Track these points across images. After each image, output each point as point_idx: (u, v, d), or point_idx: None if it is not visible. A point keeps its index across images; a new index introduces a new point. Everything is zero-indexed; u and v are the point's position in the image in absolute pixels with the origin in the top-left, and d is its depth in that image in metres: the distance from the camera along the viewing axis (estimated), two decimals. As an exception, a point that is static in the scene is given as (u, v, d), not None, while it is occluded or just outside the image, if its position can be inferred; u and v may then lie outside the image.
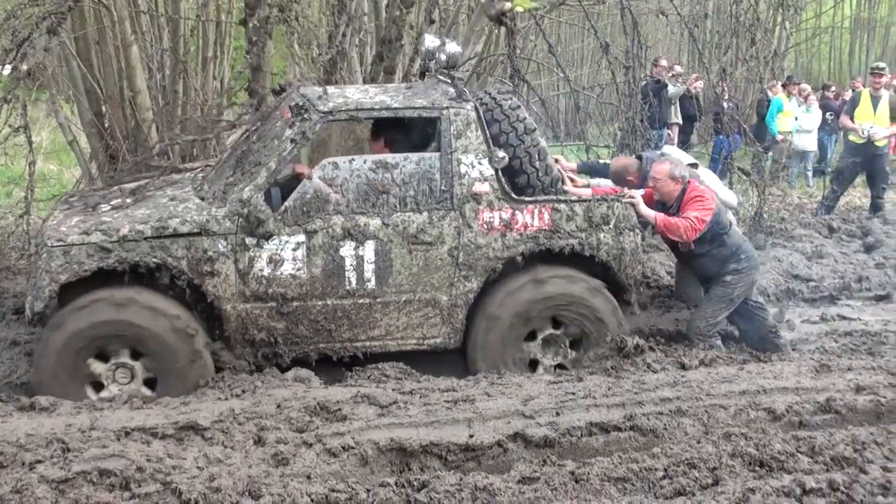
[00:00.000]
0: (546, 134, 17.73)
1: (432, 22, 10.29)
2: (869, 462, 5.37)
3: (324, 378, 7.19)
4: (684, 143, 16.32)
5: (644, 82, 13.64)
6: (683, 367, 7.32)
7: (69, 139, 11.34)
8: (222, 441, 5.64)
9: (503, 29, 10.38)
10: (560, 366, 7.67)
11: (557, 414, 6.01)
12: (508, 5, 9.43)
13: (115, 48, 10.46)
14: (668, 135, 16.15)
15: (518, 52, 11.14)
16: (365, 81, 11.18)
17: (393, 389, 6.59)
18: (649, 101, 12.57)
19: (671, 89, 15.86)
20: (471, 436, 5.69)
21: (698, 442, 5.70)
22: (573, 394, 6.40)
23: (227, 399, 6.52)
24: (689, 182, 7.98)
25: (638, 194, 7.81)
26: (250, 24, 9.03)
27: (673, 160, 8.34)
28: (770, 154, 16.65)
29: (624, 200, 7.69)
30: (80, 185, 11.25)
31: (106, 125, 10.74)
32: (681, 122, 16.85)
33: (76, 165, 13.23)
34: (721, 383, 6.73)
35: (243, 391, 6.71)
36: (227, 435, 5.72)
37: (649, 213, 7.72)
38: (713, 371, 7.15)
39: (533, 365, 7.63)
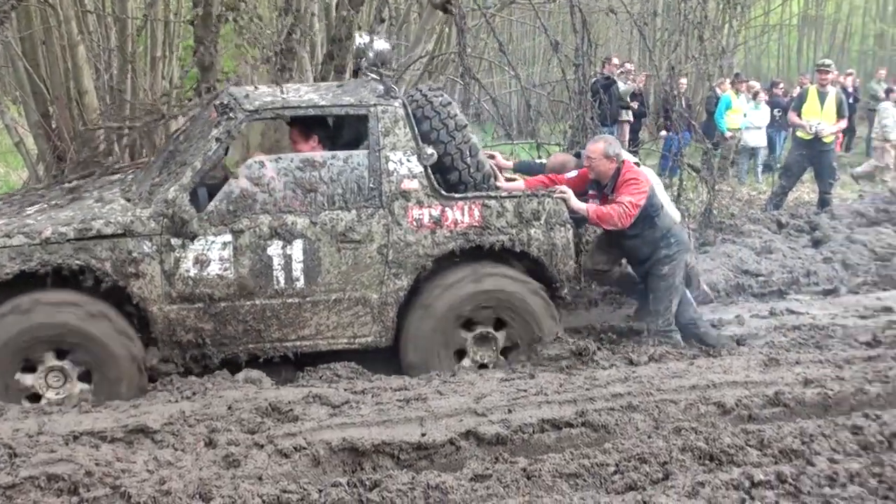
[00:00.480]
0: (497, 132, 17.85)
1: (382, 21, 10.28)
2: (816, 454, 5.41)
3: (275, 379, 7.13)
4: (634, 141, 16.42)
5: (594, 80, 13.73)
6: (633, 363, 7.31)
7: (16, 141, 11.14)
8: (172, 444, 5.58)
9: (454, 27, 10.37)
10: (484, 365, 7.58)
11: (510, 411, 6.00)
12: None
13: (61, 48, 10.31)
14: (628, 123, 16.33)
15: (469, 50, 11.12)
16: (316, 80, 11.15)
17: (345, 389, 6.55)
18: (599, 99, 12.63)
19: (621, 86, 15.96)
20: (423, 434, 5.68)
21: (649, 437, 5.72)
22: (525, 391, 6.39)
23: (177, 401, 6.43)
24: (623, 162, 7.98)
25: (569, 189, 7.76)
26: (198, 23, 8.98)
27: (608, 138, 8.37)
28: (719, 151, 16.77)
29: (555, 195, 7.67)
30: (27, 186, 11.12)
31: (53, 126, 10.60)
32: (632, 119, 16.98)
33: (23, 167, 13.09)
34: (671, 378, 6.76)
35: (194, 393, 6.61)
36: (177, 437, 5.65)
37: (581, 207, 7.69)
38: (663, 366, 7.16)
39: (460, 355, 7.56)
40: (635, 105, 16.47)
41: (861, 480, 5.01)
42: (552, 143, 12.38)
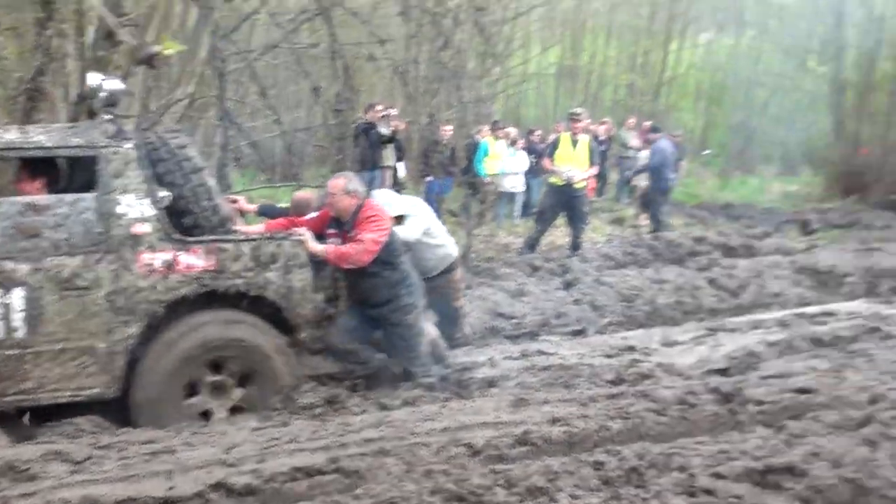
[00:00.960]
0: (259, 176, 17.69)
1: (140, 63, 10.08)
2: (559, 490, 5.55)
3: (14, 436, 6.76)
4: (397, 185, 16.55)
5: (356, 125, 13.81)
6: (386, 407, 7.36)
7: None
8: None
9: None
10: (237, 408, 7.48)
11: (261, 461, 5.91)
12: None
13: None
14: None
15: (231, 94, 11.03)
16: (69, 121, 10.83)
17: (88, 444, 6.30)
18: (360, 144, 12.71)
19: (382, 131, 16.07)
20: (170, 488, 5.51)
21: (400, 481, 5.72)
22: (277, 439, 6.33)
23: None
24: (365, 199, 8.01)
25: (307, 231, 7.73)
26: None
27: (348, 175, 8.37)
28: (478, 196, 17.09)
29: (292, 238, 7.62)
30: None
31: None
32: (394, 164, 17.10)
33: None
34: (424, 421, 6.81)
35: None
36: None
37: (319, 249, 7.65)
38: (416, 410, 7.23)
39: (206, 414, 7.41)
40: (391, 158, 16.48)
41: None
42: (313, 185, 12.38)
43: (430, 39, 11.54)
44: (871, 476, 5.68)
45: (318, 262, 7.83)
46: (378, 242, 7.73)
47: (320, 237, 7.87)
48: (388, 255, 7.93)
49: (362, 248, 7.64)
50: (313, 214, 8.27)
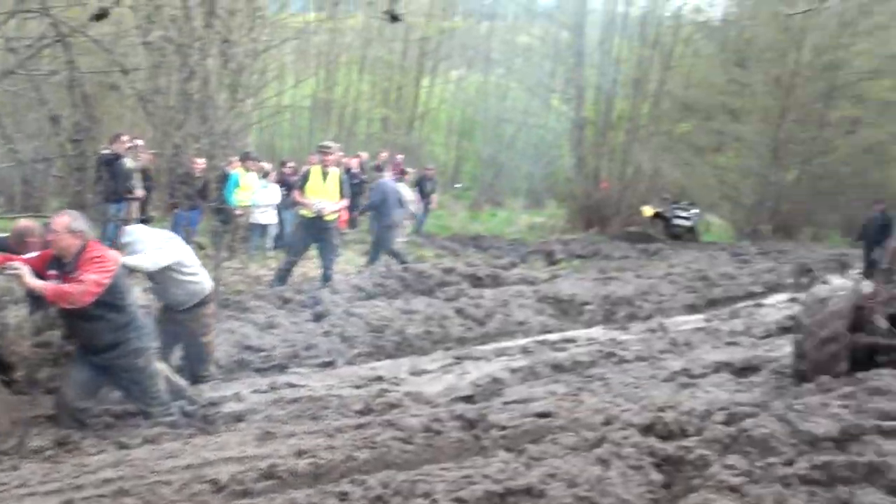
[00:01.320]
0: (-3, 206, 16.91)
1: None
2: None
3: None
4: (145, 217, 16.17)
5: (99, 156, 13.43)
6: (125, 446, 7.16)
7: None
8: None
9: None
10: None
11: (-11, 507, 5.67)
12: None
13: None
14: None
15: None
16: None
17: None
18: (104, 175, 12.34)
19: (127, 163, 15.63)
20: None
21: (132, 521, 5.57)
22: (6, 483, 6.08)
23: None
24: (89, 240, 7.68)
25: (24, 266, 7.32)
26: None
27: (73, 213, 8.03)
28: (229, 227, 16.87)
29: (7, 272, 7.28)
30: None
31: None
32: (142, 195, 16.65)
33: None
34: (166, 459, 6.71)
35: None
36: None
37: (37, 284, 7.29)
38: (158, 447, 7.10)
39: None
40: (138, 189, 16.06)
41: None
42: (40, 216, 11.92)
43: (176, 69, 11.31)
44: (603, 494, 5.93)
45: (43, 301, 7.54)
46: (101, 284, 7.39)
47: (42, 277, 7.44)
48: (113, 298, 7.61)
49: (83, 288, 7.29)
50: (35, 253, 7.81)
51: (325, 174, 14.88)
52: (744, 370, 10.98)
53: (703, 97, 40.94)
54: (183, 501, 5.96)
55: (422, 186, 27.37)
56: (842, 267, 24.93)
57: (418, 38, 37.78)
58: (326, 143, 16.24)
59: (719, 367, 11.06)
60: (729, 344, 12.97)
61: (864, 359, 9.35)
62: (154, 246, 9.21)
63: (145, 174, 15.97)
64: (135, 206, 16.01)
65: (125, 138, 15.53)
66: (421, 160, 34.22)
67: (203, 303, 9.58)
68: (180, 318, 9.46)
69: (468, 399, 9.42)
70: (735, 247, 29.78)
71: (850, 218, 23.70)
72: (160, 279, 9.32)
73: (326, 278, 15.14)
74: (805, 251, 29.88)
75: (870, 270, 22.29)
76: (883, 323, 9.61)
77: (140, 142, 15.89)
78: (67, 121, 10.34)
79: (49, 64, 11.63)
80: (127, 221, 12.56)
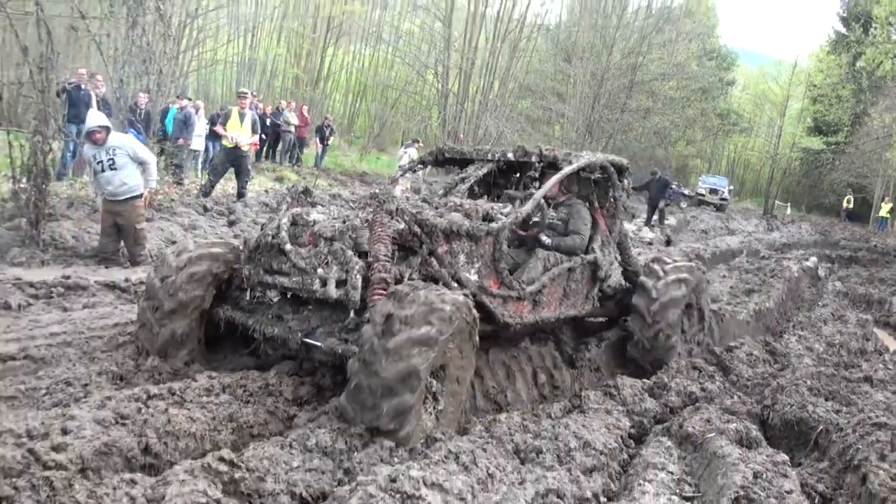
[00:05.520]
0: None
1: None
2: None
3: None
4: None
5: (63, 84, 12.87)
6: (70, 310, 6.96)
7: None
8: None
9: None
10: None
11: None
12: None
13: None
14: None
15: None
16: None
17: None
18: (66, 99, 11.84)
19: (87, 91, 15.01)
20: None
21: (74, 365, 5.41)
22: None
23: None
24: None
25: None
26: None
27: None
28: (164, 151, 16.32)
29: None
30: None
31: None
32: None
33: None
34: (99, 319, 6.56)
35: None
36: None
37: None
38: (94, 311, 6.94)
39: None
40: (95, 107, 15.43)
41: None
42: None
43: (122, 18, 10.87)
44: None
45: None
46: None
47: None
48: None
49: None
50: None
51: (241, 115, 14.63)
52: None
53: (538, 82, 41.71)
54: (110, 350, 5.80)
55: (321, 132, 27.12)
56: (630, 216, 25.62)
57: (325, 17, 37.42)
58: (243, 89, 15.94)
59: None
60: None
61: None
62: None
63: (103, 101, 15.29)
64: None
65: (82, 71, 14.88)
66: (323, 112, 33.93)
67: (137, 197, 9.34)
68: (119, 209, 9.20)
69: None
70: (553, 195, 30.25)
71: (640, 180, 24.61)
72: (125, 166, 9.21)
73: (241, 195, 14.95)
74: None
75: (650, 218, 23.22)
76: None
77: (99, 77, 15.15)
78: (34, 53, 9.83)
79: (23, 7, 11.03)
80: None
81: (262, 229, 5.55)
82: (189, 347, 5.49)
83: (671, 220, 24.68)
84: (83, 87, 14.52)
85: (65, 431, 3.96)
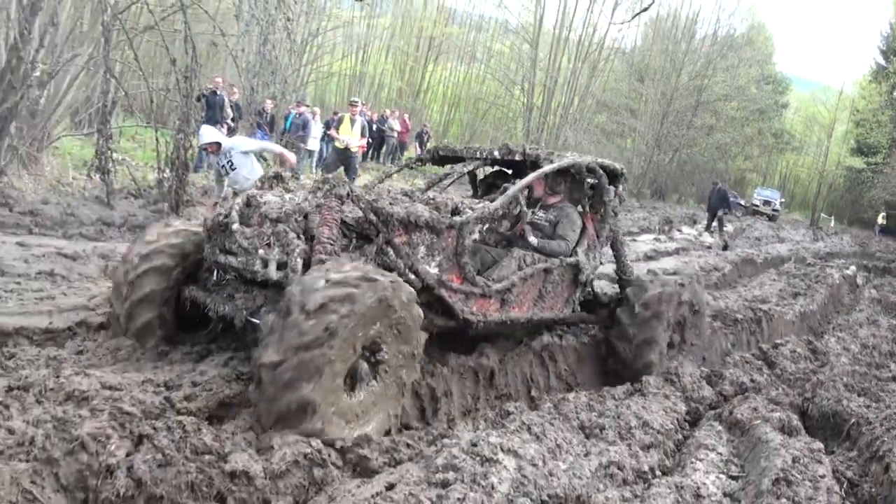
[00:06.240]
0: (128, 119, 16.56)
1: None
2: None
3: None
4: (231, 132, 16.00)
5: (202, 90, 13.25)
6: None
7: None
8: None
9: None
10: None
11: None
12: None
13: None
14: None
15: (114, 57, 10.27)
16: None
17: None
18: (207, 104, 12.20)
19: (222, 96, 15.45)
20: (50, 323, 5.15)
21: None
22: None
23: None
24: None
25: None
26: None
27: None
28: (287, 147, 16.64)
29: None
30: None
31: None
32: (233, 123, 16.45)
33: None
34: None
35: None
36: None
37: None
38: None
39: None
40: (230, 113, 15.84)
41: None
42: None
43: (255, 36, 11.14)
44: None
45: None
46: None
47: None
48: None
49: None
50: None
51: (352, 120, 14.79)
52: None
53: (614, 99, 41.08)
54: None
55: (421, 138, 27.31)
56: (692, 222, 25.17)
57: (427, 37, 37.66)
58: (354, 98, 16.13)
59: (601, 276, 11.04)
60: (610, 262, 12.99)
61: None
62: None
63: (235, 106, 15.70)
64: (225, 129, 15.84)
65: (219, 79, 15.30)
66: (422, 120, 34.13)
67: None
68: None
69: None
70: (624, 201, 29.94)
71: (702, 191, 24.19)
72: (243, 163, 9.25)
73: (352, 191, 15.09)
74: (670, 209, 30.08)
75: (710, 225, 22.75)
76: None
77: (234, 86, 15.58)
78: (181, 64, 10.14)
79: (172, 26, 11.40)
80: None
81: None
82: (158, 334, 4.93)
83: (729, 228, 24.13)
84: (218, 93, 14.95)
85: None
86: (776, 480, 4.04)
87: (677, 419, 5.30)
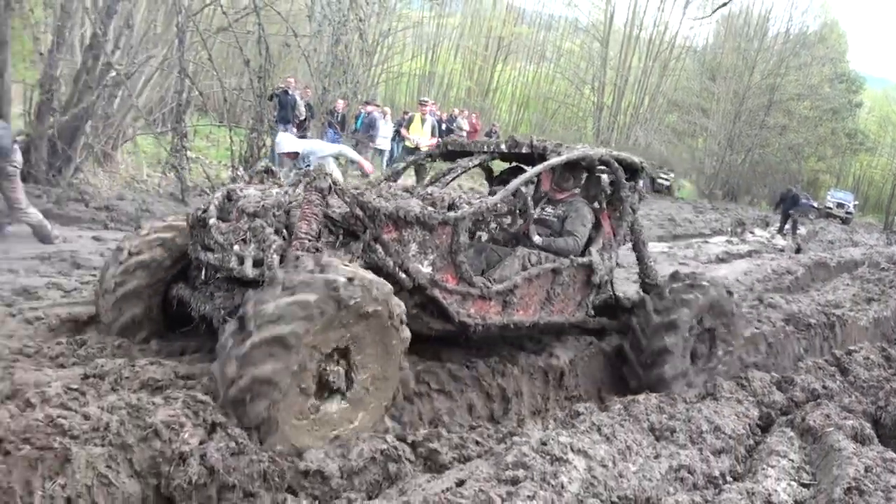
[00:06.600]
0: (213, 116, 16.97)
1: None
2: None
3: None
4: (302, 135, 16.19)
5: (274, 90, 13.46)
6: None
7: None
8: None
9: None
10: None
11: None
12: None
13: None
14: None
15: (188, 58, 10.49)
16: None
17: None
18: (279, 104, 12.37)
19: (294, 96, 15.65)
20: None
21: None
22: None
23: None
24: None
25: None
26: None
27: None
28: (357, 146, 16.81)
29: None
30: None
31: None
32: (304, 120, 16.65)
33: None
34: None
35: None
36: None
37: None
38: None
39: None
40: (303, 112, 16.05)
41: None
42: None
43: (328, 37, 11.25)
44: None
45: None
46: None
47: None
48: None
49: None
50: None
51: (422, 120, 14.86)
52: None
53: (685, 98, 40.32)
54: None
55: (489, 137, 27.29)
56: (765, 224, 24.64)
57: (496, 37, 37.57)
58: (424, 98, 16.22)
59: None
60: (682, 264, 12.80)
61: None
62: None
63: (307, 106, 15.90)
64: (296, 128, 16.07)
65: (291, 79, 15.51)
66: (491, 119, 34.09)
67: None
68: None
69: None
70: (696, 202, 29.60)
71: (774, 192, 23.68)
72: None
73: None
74: (742, 211, 29.49)
75: (783, 227, 22.30)
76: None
77: (307, 86, 15.79)
78: (255, 64, 10.32)
79: (246, 27, 11.63)
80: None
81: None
82: (145, 330, 4.75)
83: (802, 230, 23.53)
84: (290, 92, 15.17)
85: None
86: (848, 489, 3.94)
87: (749, 424, 5.15)
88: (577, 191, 5.93)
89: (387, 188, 5.00)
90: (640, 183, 6.08)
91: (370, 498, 3.41)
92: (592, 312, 5.87)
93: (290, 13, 13.67)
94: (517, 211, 5.39)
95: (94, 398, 3.38)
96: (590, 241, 5.74)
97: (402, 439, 3.78)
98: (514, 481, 3.39)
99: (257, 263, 4.08)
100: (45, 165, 9.76)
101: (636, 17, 35.10)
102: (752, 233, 21.69)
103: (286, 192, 4.44)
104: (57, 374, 3.79)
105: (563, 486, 3.44)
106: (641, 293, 6.27)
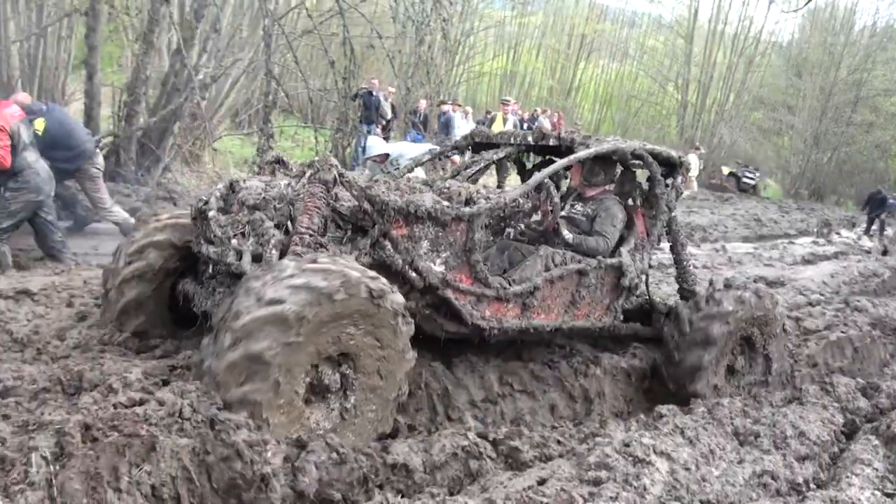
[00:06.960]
0: (295, 117, 17.33)
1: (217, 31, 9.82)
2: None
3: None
4: (386, 136, 16.41)
5: (358, 91, 13.69)
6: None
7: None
8: (45, 303, 5.20)
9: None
10: None
11: None
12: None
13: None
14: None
15: (275, 60, 10.75)
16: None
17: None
18: (363, 104, 12.56)
19: (378, 97, 15.85)
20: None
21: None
22: None
23: (49, 276, 6.07)
24: None
25: None
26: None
27: None
28: (435, 142, 16.91)
29: None
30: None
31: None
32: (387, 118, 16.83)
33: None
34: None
35: (62, 271, 6.30)
36: (48, 298, 5.29)
37: None
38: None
39: None
40: (388, 113, 16.25)
41: None
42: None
43: (411, 37, 11.37)
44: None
45: None
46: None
47: None
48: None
49: None
50: None
51: (504, 119, 14.88)
52: (772, 283, 10.51)
53: (770, 95, 39.15)
54: None
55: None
56: (851, 225, 23.87)
57: (578, 35, 37.21)
58: (506, 97, 16.20)
59: (757, 280, 10.57)
60: (766, 265, 12.48)
61: None
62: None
63: (393, 107, 16.13)
64: (379, 128, 16.30)
65: (375, 80, 15.73)
66: (573, 119, 33.84)
67: None
68: None
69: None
70: (781, 202, 28.87)
71: (861, 192, 22.89)
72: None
73: (499, 188, 15.13)
74: (828, 211, 28.55)
75: (869, 228, 21.64)
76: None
77: (391, 88, 15.97)
78: (340, 65, 10.51)
79: (330, 29, 11.87)
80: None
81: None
82: (140, 318, 4.54)
83: (889, 232, 22.68)
84: (374, 93, 15.40)
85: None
86: (933, 502, 3.74)
87: (834, 431, 5.01)
88: (609, 187, 5.60)
89: (405, 181, 4.72)
90: (679, 179, 5.61)
91: (452, 494, 3.38)
92: (622, 317, 5.43)
93: (374, 15, 13.89)
94: (546, 207, 5.06)
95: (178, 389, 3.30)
96: (621, 241, 5.35)
97: (483, 437, 3.80)
98: (597, 482, 3.38)
99: (256, 258, 3.85)
100: (134, 165, 10.19)
101: (721, 12, 34.25)
102: (838, 234, 20.99)
103: (289, 184, 4.19)
104: (143, 365, 3.82)
105: (645, 489, 3.41)
106: (678, 300, 5.91)
